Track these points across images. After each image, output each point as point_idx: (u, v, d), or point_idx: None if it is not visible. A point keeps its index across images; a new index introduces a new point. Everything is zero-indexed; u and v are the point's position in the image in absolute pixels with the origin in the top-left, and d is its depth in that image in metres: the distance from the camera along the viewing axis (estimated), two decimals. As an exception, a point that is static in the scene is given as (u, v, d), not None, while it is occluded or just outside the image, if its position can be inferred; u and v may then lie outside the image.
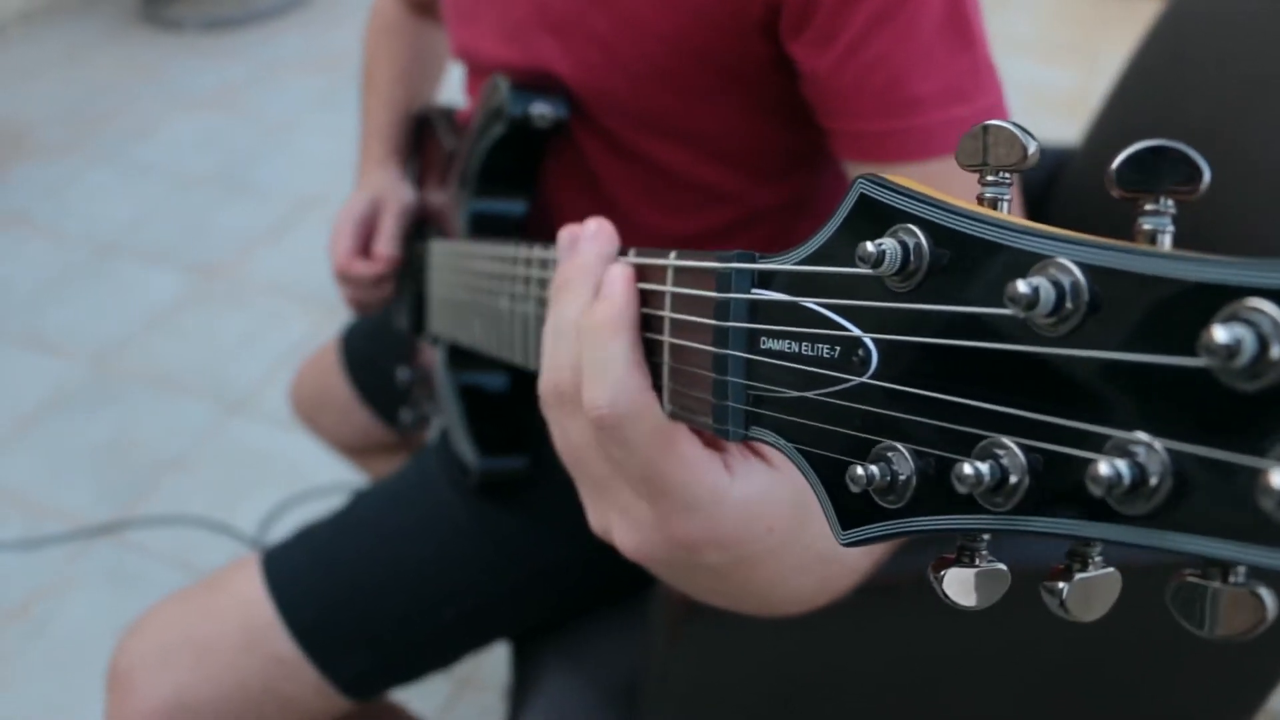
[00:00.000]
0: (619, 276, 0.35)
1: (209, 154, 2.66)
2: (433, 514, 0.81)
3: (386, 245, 0.90)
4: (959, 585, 0.26)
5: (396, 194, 0.95)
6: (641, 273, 0.36)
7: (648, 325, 0.35)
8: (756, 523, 0.37)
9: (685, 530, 0.36)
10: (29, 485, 1.72)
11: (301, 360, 1.26)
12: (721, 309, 0.30)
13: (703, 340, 0.31)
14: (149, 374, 1.97)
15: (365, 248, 0.93)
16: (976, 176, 0.26)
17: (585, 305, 0.37)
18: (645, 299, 0.35)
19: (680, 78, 0.68)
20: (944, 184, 0.62)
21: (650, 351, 0.35)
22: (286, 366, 1.95)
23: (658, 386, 0.35)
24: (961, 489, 0.23)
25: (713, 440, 0.37)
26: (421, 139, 1.03)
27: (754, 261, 0.30)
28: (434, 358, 0.90)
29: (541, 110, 0.68)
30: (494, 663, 1.42)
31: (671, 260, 0.34)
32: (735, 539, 0.37)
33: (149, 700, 0.74)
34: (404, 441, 1.25)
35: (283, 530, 1.62)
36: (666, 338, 0.34)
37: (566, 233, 0.40)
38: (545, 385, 0.39)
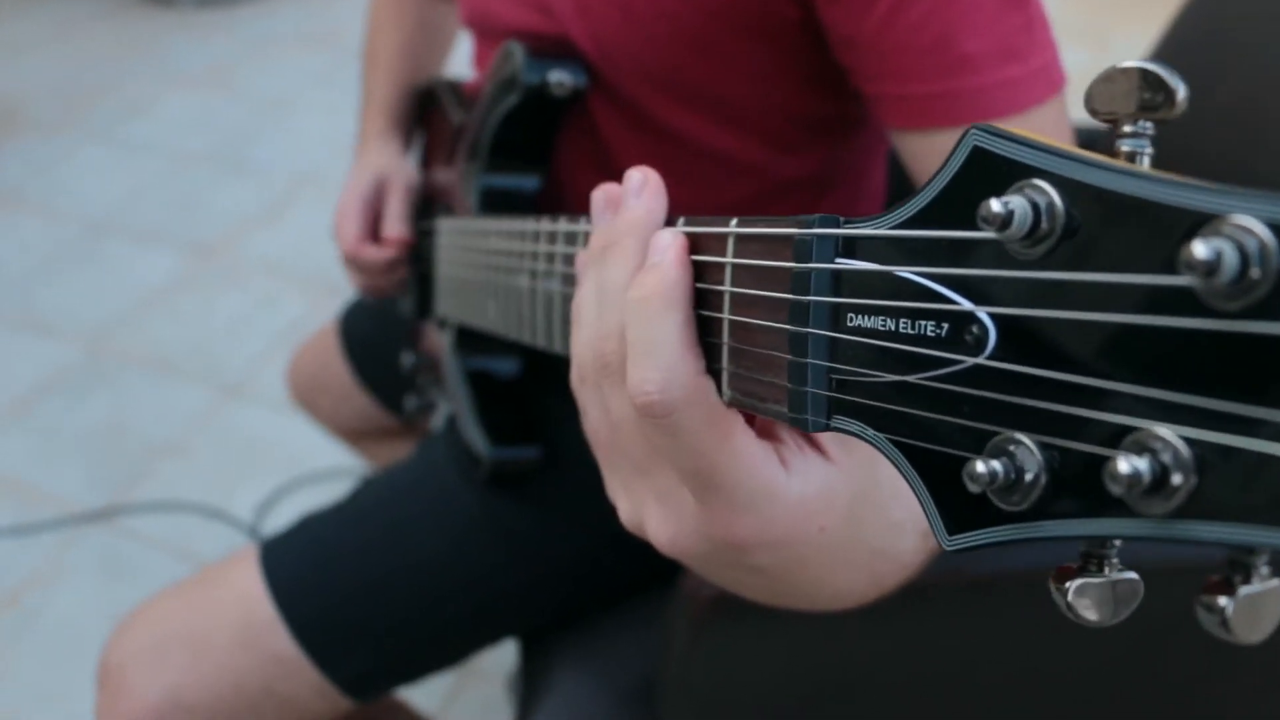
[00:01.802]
0: (671, 243, 0.32)
1: (204, 132, 2.61)
2: (440, 506, 0.77)
3: (397, 226, 0.86)
4: (1089, 598, 0.23)
5: (401, 171, 0.90)
6: (694, 243, 0.32)
7: (702, 301, 0.31)
8: (810, 523, 0.34)
9: (734, 530, 0.33)
10: (20, 470, 1.68)
11: (299, 342, 1.22)
12: (800, 281, 0.26)
13: (776, 318, 0.28)
14: (143, 356, 1.92)
15: (373, 230, 0.89)
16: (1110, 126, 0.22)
17: (635, 269, 0.33)
18: (699, 272, 0.31)
19: (702, 39, 0.64)
20: None
21: (706, 330, 0.31)
22: (283, 348, 1.91)
23: (714, 370, 0.31)
24: (1116, 489, 0.19)
25: (767, 431, 0.34)
26: (426, 114, 0.99)
27: (838, 226, 0.26)
28: (440, 342, 0.86)
29: (559, 78, 0.64)
30: (498, 653, 1.38)
31: (733, 228, 0.30)
32: (787, 540, 0.34)
33: (142, 699, 0.70)
34: (405, 427, 1.21)
35: (280, 517, 1.58)
36: (726, 315, 0.30)
37: (601, 193, 0.36)
38: (585, 353, 0.35)
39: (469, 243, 0.69)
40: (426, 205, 0.92)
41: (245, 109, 2.70)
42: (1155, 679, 0.67)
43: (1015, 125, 0.57)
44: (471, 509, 0.76)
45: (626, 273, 0.33)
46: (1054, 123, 0.59)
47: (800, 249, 0.26)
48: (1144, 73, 0.22)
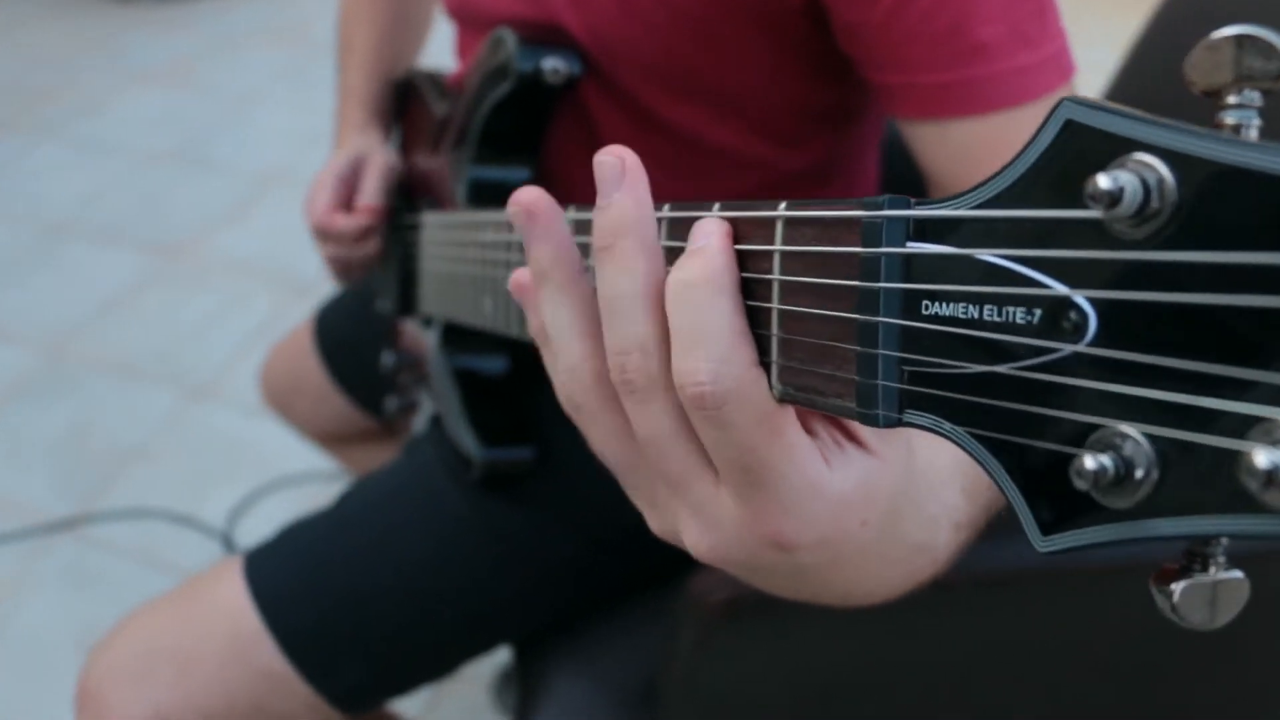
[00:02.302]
0: (715, 229, 0.30)
1: (165, 130, 2.55)
2: (430, 510, 0.75)
3: (370, 196, 0.84)
4: (1194, 600, 0.21)
5: (379, 152, 0.88)
6: (735, 231, 0.30)
7: (746, 291, 0.30)
8: (853, 519, 0.32)
9: (780, 531, 0.31)
10: (-19, 479, 1.63)
11: (269, 343, 1.19)
12: (869, 267, 0.25)
13: (840, 306, 0.26)
14: (107, 360, 1.87)
15: (346, 205, 0.87)
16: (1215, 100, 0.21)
17: (645, 272, 0.30)
18: (741, 261, 0.30)
19: (703, 28, 0.63)
20: (1006, 140, 0.57)
21: (752, 321, 0.29)
22: (252, 350, 1.87)
23: (763, 363, 0.29)
24: (1251, 484, 0.18)
25: (805, 425, 0.32)
26: (405, 106, 0.96)
27: (908, 207, 0.25)
28: (423, 340, 0.84)
29: (554, 65, 0.62)
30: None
31: (783, 211, 0.29)
32: (831, 539, 0.32)
33: (124, 719, 0.67)
34: (384, 429, 1.19)
35: (253, 522, 1.55)
36: (775, 304, 0.29)
37: (518, 210, 0.34)
38: (582, 376, 0.33)
39: (459, 236, 0.67)
40: (407, 199, 0.89)
41: (208, 106, 2.65)
42: (1173, 674, 0.66)
43: (1027, 114, 0.57)
44: (461, 511, 0.74)
45: (635, 278, 0.30)
46: None
47: (869, 232, 0.25)
48: (1250, 39, 0.20)
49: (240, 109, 2.63)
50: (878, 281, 0.25)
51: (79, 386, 1.81)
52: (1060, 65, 0.57)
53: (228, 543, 1.51)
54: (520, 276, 0.36)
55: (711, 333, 0.28)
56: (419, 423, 0.94)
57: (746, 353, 0.29)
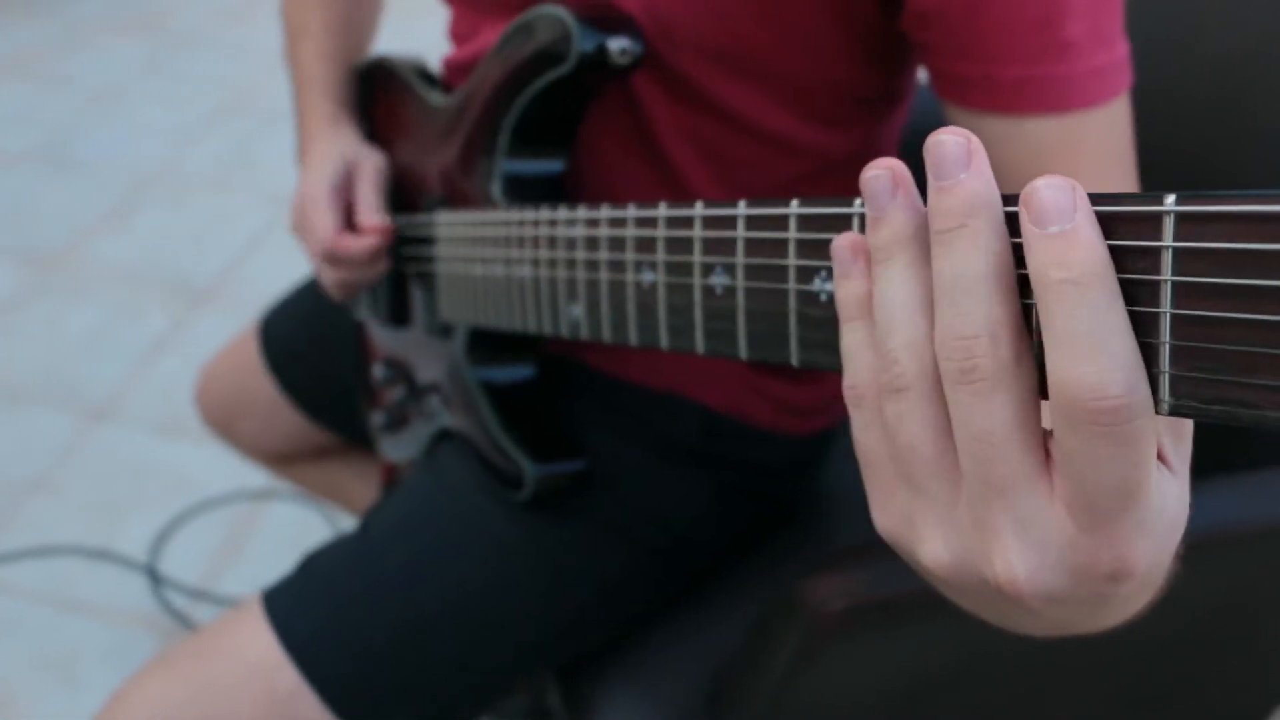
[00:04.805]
0: (1092, 222, 0.26)
1: (21, 128, 2.34)
2: (472, 534, 0.69)
3: (377, 213, 0.76)
4: None
5: (369, 155, 0.80)
6: (1104, 226, 0.27)
7: (1126, 295, 0.26)
8: (1175, 541, 0.30)
9: (1128, 556, 0.28)
10: None
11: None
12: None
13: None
14: (-14, 384, 1.70)
15: (347, 221, 0.79)
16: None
17: (996, 253, 0.28)
18: (1115, 260, 0.27)
19: (769, 9, 0.59)
20: (1076, 142, 0.56)
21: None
22: (151, 365, 1.73)
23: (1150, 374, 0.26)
24: None
25: None
26: (374, 96, 0.89)
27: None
28: (437, 350, 0.78)
29: (622, 45, 0.57)
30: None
31: (1172, 206, 0.25)
32: (1157, 565, 0.30)
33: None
34: (344, 444, 1.11)
35: (179, 550, 1.43)
36: (1166, 309, 0.26)
37: (883, 171, 0.31)
38: (906, 358, 0.30)
39: (504, 234, 0.61)
40: (397, 199, 0.82)
41: (66, 101, 2.44)
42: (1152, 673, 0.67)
43: (1098, 116, 0.56)
44: (508, 533, 0.69)
45: (988, 258, 0.28)
46: (1125, 118, 0.57)
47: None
48: None
49: (103, 104, 2.43)
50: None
51: (-43, 416, 1.64)
52: (1128, 68, 0.56)
53: (153, 575, 1.40)
54: (848, 241, 0.33)
55: (1115, 338, 0.26)
56: (407, 438, 0.88)
57: (1142, 361, 0.26)
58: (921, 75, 0.70)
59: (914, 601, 0.57)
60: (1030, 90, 0.55)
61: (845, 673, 0.61)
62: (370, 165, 0.79)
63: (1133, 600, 0.33)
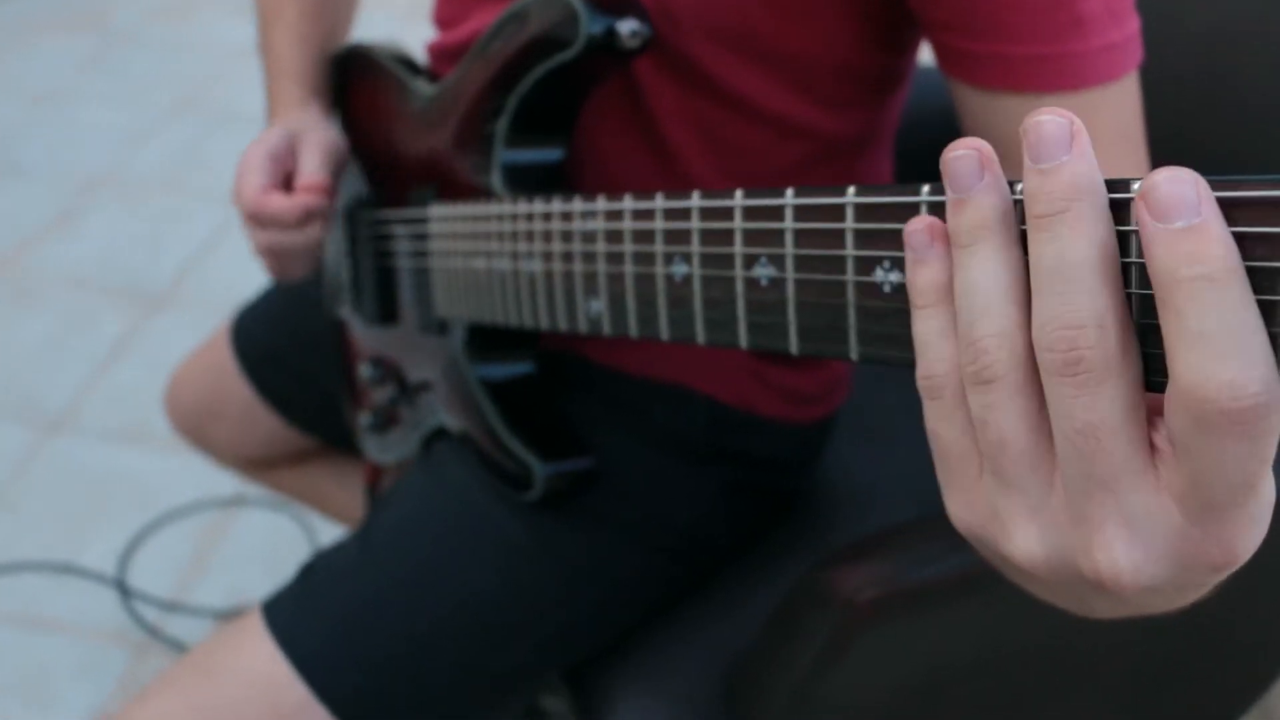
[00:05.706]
0: (1218, 214, 0.25)
1: (-44, 132, 2.26)
2: (479, 537, 0.67)
3: (313, 173, 0.72)
4: None
5: (319, 129, 0.76)
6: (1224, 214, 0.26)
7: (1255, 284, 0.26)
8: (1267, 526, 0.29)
9: (1235, 546, 0.28)
10: None
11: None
12: None
13: None
14: (-66, 398, 1.64)
15: (285, 187, 0.74)
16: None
17: (1101, 241, 0.27)
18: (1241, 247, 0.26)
19: None
20: (1086, 120, 0.55)
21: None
22: (108, 373, 1.68)
23: None
24: None
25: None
26: (349, 85, 0.86)
27: None
28: (432, 347, 0.75)
29: (632, 28, 0.56)
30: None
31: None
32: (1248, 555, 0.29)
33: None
34: (323, 447, 1.08)
35: (148, 562, 1.39)
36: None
37: (969, 152, 0.29)
38: (990, 347, 0.29)
39: (511, 228, 0.59)
40: (379, 193, 0.80)
41: (8, 104, 2.36)
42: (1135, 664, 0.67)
43: (1110, 93, 0.55)
44: (517, 534, 0.67)
45: (1094, 245, 0.27)
46: (1135, 95, 0.57)
47: None
48: None
49: (45, 106, 2.35)
50: None
51: (-95, 432, 1.58)
52: (1139, 43, 0.56)
53: (123, 588, 1.35)
54: (924, 225, 0.31)
55: (1253, 335, 0.25)
56: (396, 439, 0.85)
57: (1273, 356, 0.25)
58: (921, 58, 0.69)
59: (943, 588, 0.57)
60: (1044, 68, 0.54)
61: (872, 663, 0.60)
62: (318, 136, 0.75)
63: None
